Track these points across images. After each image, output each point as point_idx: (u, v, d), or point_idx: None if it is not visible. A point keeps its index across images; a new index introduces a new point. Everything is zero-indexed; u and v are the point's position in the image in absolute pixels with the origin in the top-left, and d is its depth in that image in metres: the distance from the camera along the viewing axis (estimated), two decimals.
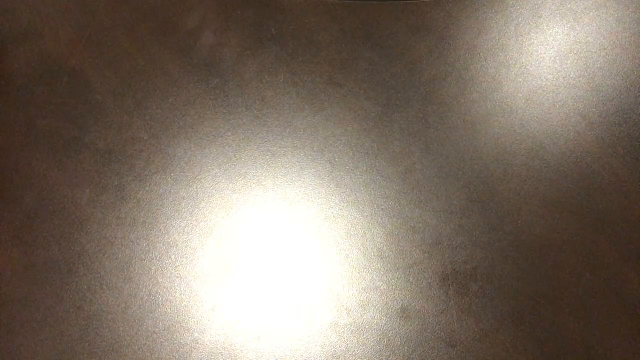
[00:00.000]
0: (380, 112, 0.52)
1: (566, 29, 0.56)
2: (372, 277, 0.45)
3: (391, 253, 0.46)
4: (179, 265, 0.46)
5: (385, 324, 0.43)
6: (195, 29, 0.56)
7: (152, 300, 0.44)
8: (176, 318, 0.44)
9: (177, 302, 0.44)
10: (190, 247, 0.47)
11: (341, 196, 0.49)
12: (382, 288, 0.45)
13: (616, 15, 0.56)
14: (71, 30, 0.57)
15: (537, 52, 0.54)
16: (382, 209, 0.48)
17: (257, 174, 0.50)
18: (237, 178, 0.50)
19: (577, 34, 0.55)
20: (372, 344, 0.43)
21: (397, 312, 0.44)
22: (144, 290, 0.45)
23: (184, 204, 0.48)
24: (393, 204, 0.48)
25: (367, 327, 0.43)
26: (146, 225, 0.47)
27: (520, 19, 0.56)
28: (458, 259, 0.46)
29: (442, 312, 0.44)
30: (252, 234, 0.47)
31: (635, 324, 0.43)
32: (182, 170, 0.50)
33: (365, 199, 0.48)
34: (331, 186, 0.49)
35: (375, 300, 0.44)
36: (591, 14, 0.56)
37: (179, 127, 0.52)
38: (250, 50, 0.55)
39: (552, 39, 0.55)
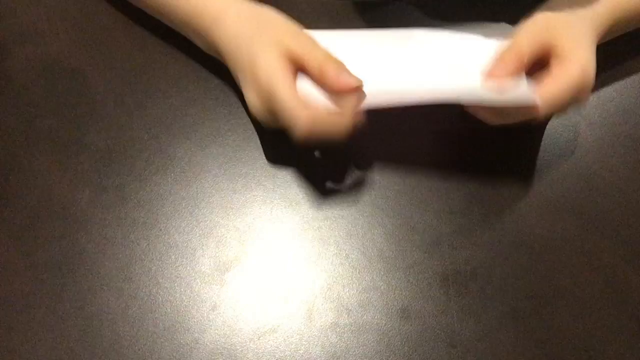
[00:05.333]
0: None
1: None
2: (372, 277, 0.45)
3: (391, 253, 0.46)
4: (179, 265, 0.46)
5: (385, 324, 0.43)
6: None
7: (152, 300, 0.44)
8: (176, 318, 0.44)
9: (177, 302, 0.44)
10: (190, 247, 0.47)
11: (341, 196, 0.49)
12: (382, 288, 0.45)
13: None
14: (71, 30, 0.57)
15: None
16: (382, 209, 0.48)
17: (257, 174, 0.50)
18: (237, 178, 0.50)
19: None
20: (372, 344, 0.43)
21: (397, 312, 0.44)
22: (144, 290, 0.45)
23: (184, 204, 0.48)
24: (393, 204, 0.48)
25: (367, 327, 0.43)
26: (146, 225, 0.47)
27: None
28: (458, 259, 0.46)
29: (442, 312, 0.44)
30: (252, 234, 0.47)
31: (635, 324, 0.43)
32: (182, 170, 0.50)
33: (365, 199, 0.48)
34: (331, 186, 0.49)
35: (375, 300, 0.44)
36: None
37: (179, 127, 0.52)
38: None
39: None
